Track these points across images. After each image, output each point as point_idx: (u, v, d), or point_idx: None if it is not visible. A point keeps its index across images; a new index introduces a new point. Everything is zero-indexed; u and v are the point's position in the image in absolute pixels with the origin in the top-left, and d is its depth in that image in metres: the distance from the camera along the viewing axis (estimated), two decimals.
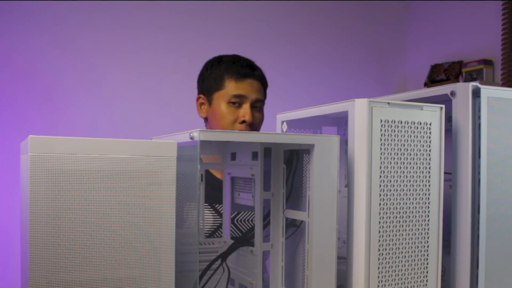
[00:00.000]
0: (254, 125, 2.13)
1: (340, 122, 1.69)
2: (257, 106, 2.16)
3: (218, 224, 1.82)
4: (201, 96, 2.24)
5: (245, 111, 2.11)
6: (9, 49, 3.58)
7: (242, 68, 2.15)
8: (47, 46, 3.67)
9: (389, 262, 1.36)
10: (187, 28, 4.10)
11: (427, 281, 1.41)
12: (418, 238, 1.40)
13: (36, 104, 3.63)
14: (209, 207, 1.90)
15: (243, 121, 2.09)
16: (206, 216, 1.88)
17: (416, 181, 1.39)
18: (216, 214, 1.90)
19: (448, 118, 1.50)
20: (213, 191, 1.79)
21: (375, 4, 4.90)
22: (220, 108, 2.14)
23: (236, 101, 2.11)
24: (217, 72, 2.18)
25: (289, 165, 1.45)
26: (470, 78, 4.18)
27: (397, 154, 1.36)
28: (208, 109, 2.21)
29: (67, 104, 3.71)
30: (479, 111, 1.47)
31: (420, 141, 1.39)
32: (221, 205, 1.84)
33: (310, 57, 4.58)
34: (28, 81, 3.62)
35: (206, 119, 2.26)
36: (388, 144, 1.35)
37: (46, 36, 3.67)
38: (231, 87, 2.13)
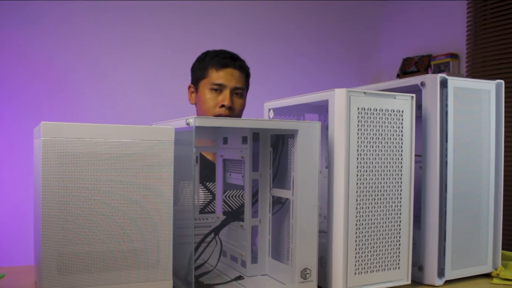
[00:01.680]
0: (233, 109, 2.17)
1: (321, 110, 1.69)
2: (237, 92, 2.20)
3: (209, 200, 1.83)
4: (191, 85, 2.29)
5: (224, 96, 2.16)
6: (24, 45, 3.57)
7: (223, 59, 2.19)
8: (58, 42, 3.67)
9: (365, 236, 1.37)
10: (183, 27, 4.10)
11: (399, 252, 1.42)
12: (391, 213, 1.41)
13: (48, 94, 3.63)
14: (201, 185, 1.91)
15: (223, 105, 2.13)
16: (199, 194, 1.89)
17: (390, 162, 1.40)
18: (207, 191, 1.91)
19: (419, 106, 1.50)
20: (204, 170, 1.81)
21: (353, 4, 4.91)
22: (204, 94, 2.19)
23: (217, 88, 2.16)
24: (203, 64, 2.23)
25: (275, 149, 1.46)
26: (438, 70, 4.19)
27: (373, 138, 1.37)
28: (196, 96, 2.25)
29: (75, 94, 3.71)
30: (446, 99, 1.49)
31: (393, 127, 1.40)
32: (211, 183, 1.85)
33: (294, 51, 4.58)
34: (41, 74, 3.61)
35: (195, 106, 2.29)
36: (364, 130, 1.36)
37: (57, 34, 3.66)
38: (213, 76, 2.17)
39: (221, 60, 2.18)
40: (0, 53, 3.50)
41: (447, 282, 1.51)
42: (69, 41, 3.70)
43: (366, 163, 1.36)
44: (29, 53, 3.59)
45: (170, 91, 3.87)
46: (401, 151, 1.41)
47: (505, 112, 1.61)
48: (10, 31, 3.52)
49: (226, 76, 2.17)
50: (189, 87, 2.32)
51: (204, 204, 1.79)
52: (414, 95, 1.44)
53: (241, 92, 2.22)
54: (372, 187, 1.37)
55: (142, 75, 3.95)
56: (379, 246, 1.39)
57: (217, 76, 2.17)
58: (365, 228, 1.37)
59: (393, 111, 1.40)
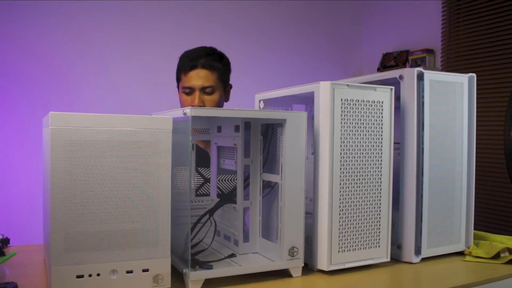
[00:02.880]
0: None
1: (307, 101, 1.70)
2: (207, 91, 2.17)
3: (201, 183, 1.83)
4: (178, 86, 2.29)
5: (193, 98, 2.15)
6: (32, 41, 3.56)
7: (190, 61, 2.17)
8: (64, 40, 3.66)
9: (348, 217, 1.38)
10: (178, 24, 4.09)
11: (379, 232, 1.44)
12: (372, 196, 1.42)
13: (55, 87, 3.62)
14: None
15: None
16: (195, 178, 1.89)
17: (371, 149, 1.41)
18: (199, 176, 1.92)
19: (397, 98, 1.52)
20: (196, 156, 1.81)
21: (337, 4, 4.91)
22: (181, 97, 2.21)
23: (188, 91, 2.15)
24: (178, 67, 2.23)
25: (265, 137, 1.47)
26: (415, 64, 4.19)
27: (355, 127, 1.38)
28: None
29: (80, 87, 3.71)
30: (423, 91, 1.50)
31: (373, 116, 1.41)
32: (203, 168, 1.85)
33: (283, 47, 4.58)
34: (48, 68, 3.60)
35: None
36: (347, 119, 1.37)
37: (64, 32, 3.66)
38: (183, 79, 2.18)
39: (188, 63, 2.16)
40: (12, 50, 3.50)
41: (424, 259, 1.53)
42: (74, 38, 3.70)
43: (349, 149, 1.38)
44: (38, 50, 3.59)
45: (167, 83, 3.86)
46: (381, 138, 1.43)
47: (477, 103, 1.63)
48: (21, 29, 3.52)
49: (193, 78, 2.15)
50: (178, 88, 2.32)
51: (197, 186, 1.80)
52: (393, 87, 1.45)
53: (210, 89, 2.18)
54: (354, 172, 1.39)
55: (141, 69, 3.95)
56: (361, 226, 1.41)
57: (186, 79, 2.16)
58: (348, 209, 1.38)
59: (374, 102, 1.41)
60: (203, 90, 2.15)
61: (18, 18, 3.51)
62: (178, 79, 2.22)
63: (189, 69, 2.16)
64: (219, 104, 2.22)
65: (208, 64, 2.18)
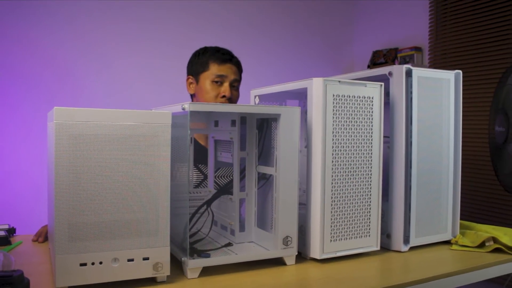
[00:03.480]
0: (231, 100, 2.18)
1: (301, 96, 1.71)
2: (235, 85, 2.20)
3: (201, 179, 1.84)
4: (190, 77, 2.27)
5: (225, 88, 2.15)
6: (37, 40, 3.56)
7: (223, 55, 2.19)
8: (68, 38, 3.66)
9: (339, 207, 1.39)
10: (177, 24, 4.09)
11: (369, 222, 1.45)
12: (363, 188, 1.43)
13: (59, 83, 3.62)
14: (194, 168, 1.92)
15: (224, 96, 2.14)
16: (193, 172, 1.90)
17: (361, 143, 1.42)
18: (199, 172, 1.92)
19: (387, 93, 1.52)
20: (197, 154, 1.82)
21: (329, 4, 4.91)
22: (205, 85, 2.18)
23: (218, 80, 2.15)
24: (203, 59, 2.21)
25: (260, 131, 1.47)
26: (404, 61, 4.20)
27: (346, 121, 1.39)
28: (195, 87, 2.24)
29: (83, 83, 3.71)
30: (411, 87, 1.51)
31: (364, 111, 1.41)
32: (203, 165, 1.86)
33: (278, 45, 4.59)
34: (52, 65, 3.60)
35: (193, 95, 2.28)
36: (339, 114, 1.37)
37: (68, 31, 3.65)
38: (214, 69, 2.16)
39: (222, 56, 2.19)
40: (18, 48, 3.50)
41: (412, 248, 1.54)
42: (77, 37, 3.70)
43: (340, 143, 1.38)
44: (43, 48, 3.59)
45: (166, 79, 3.87)
46: (371, 132, 1.43)
47: (463, 98, 1.64)
48: (26, 28, 3.52)
49: (228, 70, 2.18)
50: (188, 78, 2.31)
51: (198, 182, 1.81)
52: (382, 83, 1.46)
53: (237, 85, 2.23)
54: (345, 164, 1.39)
55: (142, 66, 3.95)
56: (352, 217, 1.42)
57: (220, 69, 2.17)
58: (340, 200, 1.39)
59: (364, 97, 1.41)
60: (232, 83, 2.18)
61: (23, 18, 3.51)
62: (203, 70, 2.22)
63: (224, 62, 2.19)
64: (237, 101, 2.26)
65: (237, 63, 2.26)
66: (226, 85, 2.15)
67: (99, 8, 3.79)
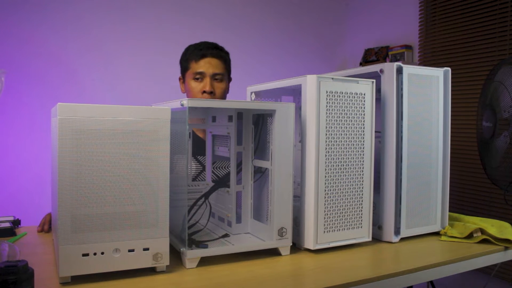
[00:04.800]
0: (214, 93, 2.16)
1: (295, 93, 1.70)
2: (217, 78, 2.18)
3: (200, 170, 1.83)
4: (180, 77, 2.28)
5: (205, 83, 2.13)
6: (42, 38, 3.55)
7: (201, 50, 2.17)
8: (71, 36, 3.65)
9: (332, 200, 1.39)
10: (176, 22, 4.08)
11: (361, 214, 1.45)
12: (355, 181, 1.43)
13: (63, 80, 3.62)
14: (193, 158, 1.92)
15: (204, 91, 2.12)
16: (191, 164, 1.90)
17: (354, 137, 1.42)
18: (198, 163, 1.92)
19: (378, 90, 1.52)
20: (195, 145, 1.82)
21: (322, 3, 4.91)
22: (189, 83, 2.18)
23: (199, 77, 2.14)
24: (185, 57, 2.21)
25: (256, 126, 1.47)
26: (394, 59, 4.19)
27: (339, 117, 1.39)
28: (184, 86, 2.24)
29: (86, 80, 3.70)
30: (402, 84, 1.51)
31: (356, 107, 1.42)
32: (202, 156, 1.86)
33: (272, 44, 4.58)
34: (57, 63, 3.59)
35: (186, 94, 2.28)
36: (332, 110, 1.38)
37: (71, 29, 3.64)
38: (193, 66, 2.16)
39: (199, 52, 2.17)
40: (23, 46, 3.50)
41: (402, 239, 1.55)
42: (80, 35, 3.69)
43: (334, 138, 1.38)
44: (47, 45, 3.58)
45: (165, 76, 3.87)
46: (363, 127, 1.43)
47: (452, 94, 1.64)
48: (31, 27, 3.51)
49: (205, 65, 2.15)
50: (179, 78, 2.31)
51: (196, 174, 1.81)
52: (374, 80, 1.46)
53: (220, 77, 2.20)
54: (338, 158, 1.40)
55: (143, 64, 3.95)
56: (344, 209, 1.42)
57: (197, 66, 2.15)
58: (333, 193, 1.39)
59: (357, 94, 1.41)
60: (213, 77, 2.16)
61: (28, 17, 3.51)
62: (186, 69, 2.21)
63: (201, 57, 2.16)
64: (225, 92, 2.23)
65: (218, 54, 2.21)
66: (206, 80, 2.13)
67: (102, 7, 3.79)
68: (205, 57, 2.16)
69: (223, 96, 2.21)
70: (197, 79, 2.15)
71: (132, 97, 3.85)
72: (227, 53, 2.28)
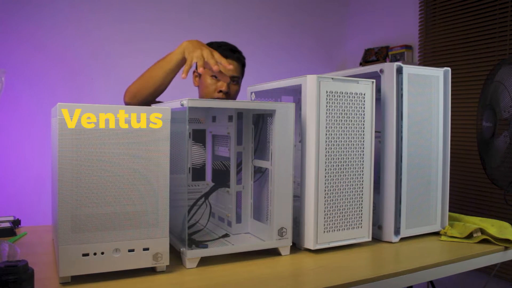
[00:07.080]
0: (230, 95, 2.19)
1: (295, 93, 1.70)
2: (234, 80, 2.21)
3: (201, 161, 1.83)
4: (195, 70, 2.28)
5: (222, 83, 2.15)
6: (42, 38, 3.56)
7: (224, 51, 2.18)
8: (72, 37, 3.65)
9: (332, 200, 1.39)
10: (175, 23, 4.08)
11: (361, 214, 1.45)
12: (355, 181, 1.43)
13: (63, 80, 3.62)
14: (193, 144, 1.90)
15: (221, 91, 2.15)
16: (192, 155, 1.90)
17: (354, 137, 1.42)
18: (199, 149, 1.91)
19: (378, 90, 1.52)
20: (195, 133, 1.81)
21: (323, 4, 4.91)
22: (206, 80, 2.19)
23: (217, 75, 2.14)
24: None
25: (256, 126, 1.47)
26: (394, 59, 4.20)
27: (339, 117, 1.39)
28: (199, 80, 2.26)
29: (86, 80, 3.71)
30: (402, 84, 1.51)
31: (356, 107, 1.42)
32: (201, 144, 1.85)
33: (273, 44, 4.59)
34: (58, 62, 3.60)
35: (198, 88, 2.30)
36: (332, 110, 1.37)
37: (71, 30, 3.65)
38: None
39: (222, 52, 2.16)
40: (24, 46, 3.50)
41: (402, 239, 1.55)
42: (80, 35, 3.70)
43: (333, 138, 1.38)
44: (48, 46, 3.58)
45: None
46: (363, 127, 1.43)
47: (452, 94, 1.64)
48: (32, 27, 3.51)
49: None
50: (194, 71, 2.33)
51: (198, 162, 1.80)
52: (374, 80, 1.46)
53: (237, 79, 2.24)
54: (338, 158, 1.40)
55: (143, 64, 3.93)
56: (344, 209, 1.42)
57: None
58: (333, 193, 1.39)
59: (357, 94, 1.41)
60: (232, 78, 2.18)
61: (29, 17, 3.51)
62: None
63: (224, 57, 2.15)
64: (237, 94, 2.28)
65: (238, 58, 2.26)
66: (224, 80, 2.14)
67: (104, 7, 3.79)
68: (227, 58, 2.16)
69: (235, 98, 2.26)
70: (216, 77, 2.16)
71: None
72: (244, 58, 2.33)
